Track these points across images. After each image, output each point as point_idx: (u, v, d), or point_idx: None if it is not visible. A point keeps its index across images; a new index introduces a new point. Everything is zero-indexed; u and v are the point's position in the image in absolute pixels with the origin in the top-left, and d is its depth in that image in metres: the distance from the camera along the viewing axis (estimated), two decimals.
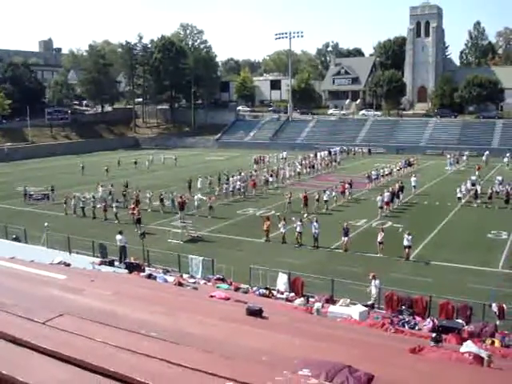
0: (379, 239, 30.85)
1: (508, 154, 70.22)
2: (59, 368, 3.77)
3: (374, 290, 22.50)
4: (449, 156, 70.92)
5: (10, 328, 4.40)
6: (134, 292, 10.10)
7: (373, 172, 55.60)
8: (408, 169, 64.26)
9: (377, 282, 22.69)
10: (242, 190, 50.66)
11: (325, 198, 42.84)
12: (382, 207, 41.59)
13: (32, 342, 4.14)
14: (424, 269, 28.46)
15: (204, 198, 43.90)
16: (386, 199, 42.32)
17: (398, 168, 62.30)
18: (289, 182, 57.02)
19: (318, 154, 76.39)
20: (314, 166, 65.69)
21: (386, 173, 58.10)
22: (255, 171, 60.09)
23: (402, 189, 46.68)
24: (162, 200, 43.65)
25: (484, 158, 70.83)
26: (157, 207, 43.76)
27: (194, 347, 4.57)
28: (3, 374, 3.63)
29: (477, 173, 56.34)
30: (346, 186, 47.59)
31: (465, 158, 70.88)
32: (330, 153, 78.23)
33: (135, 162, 73.12)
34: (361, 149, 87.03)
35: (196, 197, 43.18)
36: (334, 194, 44.91)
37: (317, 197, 42.70)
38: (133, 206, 39.88)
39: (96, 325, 4.95)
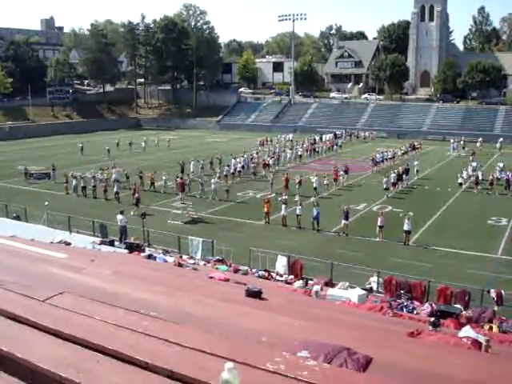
0: (379, 223, 30.89)
1: None
2: (59, 345, 3.79)
3: (374, 286, 22.45)
4: (452, 140, 71.20)
5: (10, 305, 4.41)
6: (133, 272, 10.14)
7: (377, 155, 55.81)
8: (412, 153, 64.96)
9: (373, 278, 22.61)
10: (252, 171, 50.91)
11: (314, 185, 42.00)
12: (387, 188, 42.21)
13: (32, 319, 4.15)
14: (423, 254, 28.51)
15: (220, 181, 43.50)
16: (392, 180, 43.12)
17: (402, 152, 62.50)
18: (290, 165, 56.88)
19: (324, 137, 76.98)
20: (315, 149, 65.60)
21: (390, 156, 58.26)
22: (257, 153, 59.83)
23: (407, 171, 47.08)
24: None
25: (498, 144, 71.16)
26: (171, 189, 43.61)
27: (193, 327, 4.59)
28: (3, 351, 3.65)
29: (471, 158, 56.72)
30: (341, 172, 46.44)
31: (479, 144, 70.60)
32: (335, 135, 79.03)
33: (130, 144, 71.83)
34: (371, 133, 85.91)
35: (213, 180, 42.26)
36: (325, 181, 43.26)
37: (298, 180, 42.25)
38: (134, 186, 39.79)
39: (96, 303, 4.96)
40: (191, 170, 49.93)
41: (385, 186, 42.52)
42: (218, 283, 12.67)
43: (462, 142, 70.18)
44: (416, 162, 50.87)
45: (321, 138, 76.25)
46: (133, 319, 4.39)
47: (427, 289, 20.58)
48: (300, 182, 42.01)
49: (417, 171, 49.67)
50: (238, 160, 52.61)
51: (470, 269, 25.56)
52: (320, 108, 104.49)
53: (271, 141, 74.93)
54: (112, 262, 12.18)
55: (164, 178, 44.18)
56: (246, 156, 55.66)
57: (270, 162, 54.76)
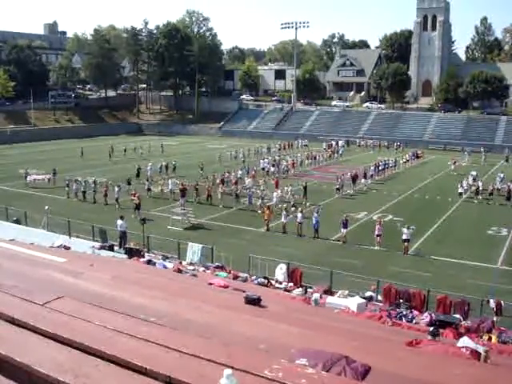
0: (377, 232, 30.88)
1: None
2: (57, 349, 3.78)
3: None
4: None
5: (9, 309, 4.41)
6: (133, 277, 10.13)
7: (380, 163, 56.18)
8: (415, 161, 67.12)
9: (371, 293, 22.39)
10: (286, 168, 56.37)
11: (247, 186, 44.34)
12: (339, 189, 45.67)
13: (30, 323, 4.14)
14: (423, 263, 28.46)
15: (284, 194, 41.96)
16: (344, 183, 46.54)
17: (404, 160, 63.24)
18: (290, 173, 56.79)
19: (340, 142, 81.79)
20: (315, 157, 65.71)
21: (392, 165, 58.76)
22: (278, 156, 64.22)
23: (365, 175, 50.22)
24: (237, 196, 41.93)
25: (482, 155, 71.76)
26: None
27: (192, 333, 4.58)
28: (1, 354, 3.64)
29: (452, 167, 58.60)
30: (291, 195, 41.76)
31: (466, 153, 71.77)
32: (347, 143, 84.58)
33: (125, 150, 71.54)
34: (398, 143, 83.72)
35: (275, 193, 40.86)
36: (261, 184, 44.55)
37: (234, 181, 45.37)
38: (134, 191, 39.75)
39: (95, 308, 4.96)
40: (148, 174, 50.65)
41: (337, 187, 45.43)
42: (217, 290, 12.65)
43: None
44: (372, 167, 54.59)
45: (337, 143, 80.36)
46: (132, 324, 4.38)
47: (426, 298, 20.53)
48: (236, 183, 44.66)
49: (371, 175, 52.45)
50: (265, 160, 57.47)
51: (469, 279, 25.52)
52: (321, 116, 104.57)
53: (291, 145, 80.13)
54: (111, 267, 12.17)
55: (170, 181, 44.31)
56: (270, 158, 60.48)
57: (272, 169, 54.98)
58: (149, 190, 44.34)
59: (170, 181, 45.38)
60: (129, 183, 45.74)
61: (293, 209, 35.45)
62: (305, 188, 42.81)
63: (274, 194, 40.93)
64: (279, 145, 78.11)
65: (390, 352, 6.27)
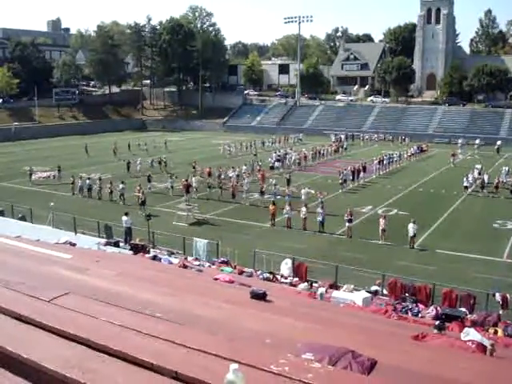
0: (382, 226, 30.84)
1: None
2: (64, 346, 3.79)
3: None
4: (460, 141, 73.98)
5: (16, 305, 4.42)
6: (138, 273, 10.13)
7: (385, 157, 55.98)
8: (420, 155, 67.38)
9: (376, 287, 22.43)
10: (298, 161, 57.43)
11: (230, 175, 45.98)
12: (342, 184, 45.53)
13: (37, 319, 4.15)
14: (428, 257, 28.46)
15: (312, 191, 41.09)
16: (346, 177, 46.20)
17: (409, 154, 63.22)
18: (295, 168, 56.74)
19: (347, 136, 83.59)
20: (320, 152, 65.56)
21: (396, 158, 58.62)
22: (290, 149, 64.96)
23: (364, 168, 49.81)
24: (262, 192, 40.80)
25: (476, 147, 72.55)
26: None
27: (198, 328, 4.59)
28: (8, 351, 3.66)
29: (451, 159, 59.21)
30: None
31: (459, 145, 72.53)
32: (352, 137, 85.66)
33: (129, 146, 71.42)
34: (400, 137, 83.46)
35: (303, 191, 40.02)
36: (245, 177, 45.06)
37: (219, 174, 46.10)
38: (139, 187, 39.76)
39: (101, 304, 4.97)
40: (138, 169, 51.43)
41: (340, 181, 45.32)
42: (222, 285, 12.66)
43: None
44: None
45: (346, 138, 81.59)
46: (138, 320, 4.39)
47: (432, 292, 20.54)
48: (219, 176, 45.37)
49: (375, 169, 53.24)
50: (276, 154, 58.42)
51: (475, 272, 25.51)
52: (326, 110, 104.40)
53: (287, 140, 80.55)
54: (117, 263, 12.18)
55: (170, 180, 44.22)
56: (282, 151, 61.58)
57: (276, 164, 54.89)
58: (172, 187, 44.03)
59: (193, 178, 45.14)
60: (149, 180, 45.68)
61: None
62: (288, 180, 44.20)
63: (302, 191, 39.99)
64: (272, 139, 78.31)
65: (395, 346, 6.27)
